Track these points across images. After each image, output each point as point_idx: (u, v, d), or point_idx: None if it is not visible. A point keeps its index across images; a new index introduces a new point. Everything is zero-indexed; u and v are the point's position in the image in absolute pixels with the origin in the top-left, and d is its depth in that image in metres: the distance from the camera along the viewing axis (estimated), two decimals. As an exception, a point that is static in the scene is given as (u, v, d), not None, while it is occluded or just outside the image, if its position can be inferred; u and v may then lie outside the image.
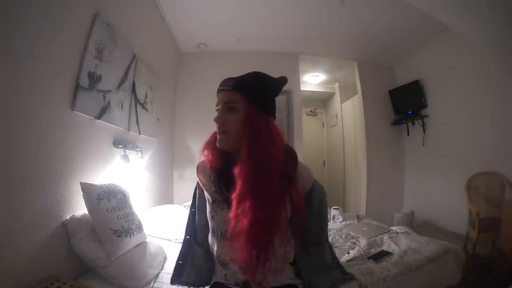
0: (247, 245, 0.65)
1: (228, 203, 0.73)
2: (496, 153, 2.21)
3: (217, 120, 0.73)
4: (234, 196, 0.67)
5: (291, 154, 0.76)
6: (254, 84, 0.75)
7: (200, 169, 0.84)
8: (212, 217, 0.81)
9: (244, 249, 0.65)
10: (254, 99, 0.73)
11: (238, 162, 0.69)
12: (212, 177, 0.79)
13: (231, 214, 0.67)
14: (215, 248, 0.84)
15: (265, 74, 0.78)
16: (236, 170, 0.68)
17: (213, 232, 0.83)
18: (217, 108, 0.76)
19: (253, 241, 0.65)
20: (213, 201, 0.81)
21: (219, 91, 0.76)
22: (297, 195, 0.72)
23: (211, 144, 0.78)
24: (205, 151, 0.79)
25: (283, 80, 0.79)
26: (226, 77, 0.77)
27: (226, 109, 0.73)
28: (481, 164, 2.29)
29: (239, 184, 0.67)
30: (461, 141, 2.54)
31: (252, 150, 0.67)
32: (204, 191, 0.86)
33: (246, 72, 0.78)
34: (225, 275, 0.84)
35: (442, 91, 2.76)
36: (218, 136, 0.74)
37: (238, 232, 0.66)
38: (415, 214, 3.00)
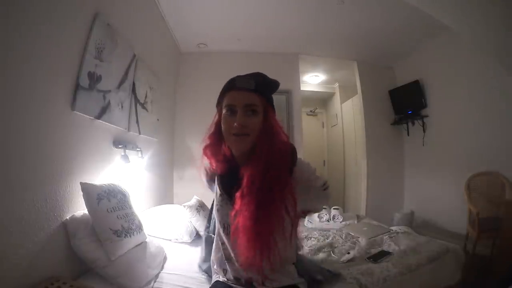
0: (249, 241, 0.66)
1: (232, 199, 0.74)
2: (496, 153, 2.21)
3: (240, 122, 0.68)
4: (238, 194, 0.68)
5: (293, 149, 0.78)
6: (268, 85, 0.76)
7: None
8: (218, 210, 0.82)
9: (245, 245, 0.67)
10: (270, 100, 0.75)
11: (250, 162, 0.70)
12: (216, 182, 0.82)
13: (232, 212, 0.69)
14: (220, 242, 0.85)
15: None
16: (248, 169, 0.69)
17: (219, 225, 0.84)
18: (231, 107, 0.70)
19: (255, 236, 0.65)
20: (220, 194, 0.82)
21: (235, 89, 0.71)
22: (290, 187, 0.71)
23: (212, 150, 0.77)
24: (210, 160, 0.78)
25: (277, 81, 0.82)
26: (229, 77, 0.75)
27: (247, 111, 0.69)
28: (481, 164, 2.29)
29: (247, 181, 0.67)
30: (461, 141, 2.54)
31: (268, 150, 0.68)
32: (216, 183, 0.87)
33: (246, 72, 0.77)
34: (226, 273, 0.84)
35: (442, 91, 2.76)
36: (234, 138, 0.70)
37: (240, 227, 0.67)
38: (415, 214, 3.00)
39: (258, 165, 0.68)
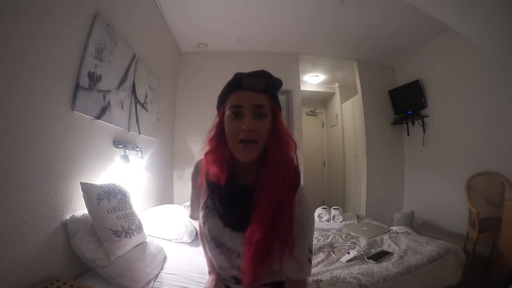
0: (262, 262, 0.60)
1: (218, 214, 0.69)
2: (496, 153, 2.21)
3: (249, 126, 0.58)
4: (256, 214, 0.60)
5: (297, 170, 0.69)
6: (275, 85, 0.69)
7: (199, 169, 0.75)
8: (204, 223, 0.74)
9: (255, 267, 0.60)
10: (277, 102, 0.65)
11: (261, 175, 0.61)
12: (204, 190, 0.73)
13: (247, 235, 0.60)
14: (207, 248, 0.79)
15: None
16: (264, 185, 0.60)
17: (205, 236, 0.75)
18: (237, 109, 0.61)
19: (266, 257, 0.60)
20: (206, 206, 0.73)
21: (242, 89, 0.62)
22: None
23: (214, 157, 0.66)
24: (211, 168, 0.66)
25: (280, 80, 0.74)
26: (229, 77, 0.66)
27: (254, 114, 0.60)
28: (481, 164, 2.29)
29: (265, 199, 0.59)
30: (461, 141, 2.54)
31: (280, 161, 0.61)
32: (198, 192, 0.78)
33: (249, 71, 0.68)
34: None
35: (442, 91, 2.76)
36: (241, 145, 0.60)
37: (254, 249, 0.59)
38: (415, 214, 3.00)
39: (272, 179, 0.59)
